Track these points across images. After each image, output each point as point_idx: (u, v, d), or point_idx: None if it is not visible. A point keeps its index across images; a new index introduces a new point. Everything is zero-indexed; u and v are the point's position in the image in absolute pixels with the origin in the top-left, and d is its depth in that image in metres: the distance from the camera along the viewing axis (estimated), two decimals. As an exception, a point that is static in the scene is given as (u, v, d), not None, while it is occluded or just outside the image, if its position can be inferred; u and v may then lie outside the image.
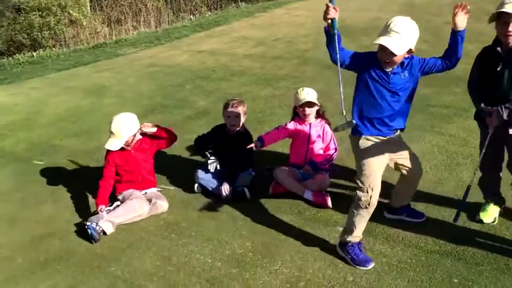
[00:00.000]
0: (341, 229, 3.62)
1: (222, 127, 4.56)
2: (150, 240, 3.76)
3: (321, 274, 3.21)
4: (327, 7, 2.98)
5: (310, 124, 4.31)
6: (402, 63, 3.16)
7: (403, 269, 3.19)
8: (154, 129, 4.25)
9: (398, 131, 3.39)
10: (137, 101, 7.45)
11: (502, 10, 3.05)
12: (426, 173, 4.40)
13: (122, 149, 4.19)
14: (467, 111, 5.87)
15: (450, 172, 4.42)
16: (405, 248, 3.41)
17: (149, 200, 4.12)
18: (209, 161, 4.37)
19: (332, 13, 2.99)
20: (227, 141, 4.45)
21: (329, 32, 3.11)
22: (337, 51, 3.11)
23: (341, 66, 3.16)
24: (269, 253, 3.48)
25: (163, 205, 4.12)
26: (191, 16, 18.42)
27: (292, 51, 9.95)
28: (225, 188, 4.21)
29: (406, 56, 3.13)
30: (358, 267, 3.23)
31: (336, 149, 4.35)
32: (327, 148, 4.34)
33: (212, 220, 3.97)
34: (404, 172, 3.47)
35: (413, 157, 3.45)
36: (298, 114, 4.35)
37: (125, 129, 4.09)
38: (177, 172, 4.81)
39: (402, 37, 2.97)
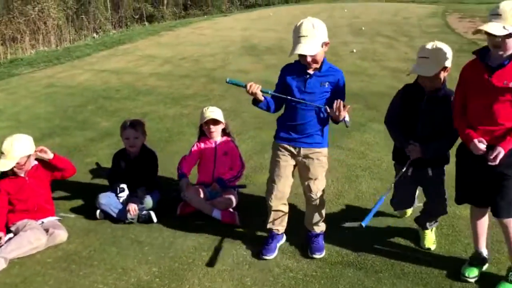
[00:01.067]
0: (248, 247, 3.67)
1: (122, 152, 4.40)
2: (47, 273, 3.49)
3: (229, 294, 3.19)
4: (248, 91, 3.17)
5: (216, 142, 4.32)
6: (320, 68, 3.26)
7: (309, 283, 3.27)
8: (50, 156, 3.99)
9: (314, 149, 3.41)
10: (33, 124, 6.98)
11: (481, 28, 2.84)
12: (328, 186, 4.58)
13: (15, 175, 3.90)
14: (364, 125, 6.25)
15: (350, 184, 4.65)
16: (310, 261, 3.49)
17: (46, 230, 3.83)
18: (119, 193, 4.15)
19: (255, 88, 3.14)
20: (129, 165, 4.31)
21: (261, 100, 3.27)
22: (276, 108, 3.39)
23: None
24: (176, 277, 3.39)
25: (61, 234, 3.86)
26: (95, 35, 17.84)
27: (199, 70, 9.98)
28: (132, 208, 4.03)
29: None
30: (260, 255, 3.52)
31: (243, 166, 4.39)
32: (234, 165, 4.37)
33: (115, 247, 3.78)
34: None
35: (311, 181, 3.46)
36: (204, 132, 4.34)
37: (17, 148, 3.80)
38: (77, 198, 4.55)
39: (311, 38, 3.09)
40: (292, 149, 3.41)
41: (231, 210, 4.12)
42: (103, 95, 8.42)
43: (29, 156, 3.91)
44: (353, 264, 3.44)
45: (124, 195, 4.14)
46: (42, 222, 3.95)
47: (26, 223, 3.85)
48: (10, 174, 3.92)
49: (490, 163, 2.80)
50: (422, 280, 3.22)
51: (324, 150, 3.45)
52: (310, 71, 3.27)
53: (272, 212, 3.59)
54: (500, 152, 2.78)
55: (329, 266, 3.42)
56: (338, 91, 3.29)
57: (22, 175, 3.94)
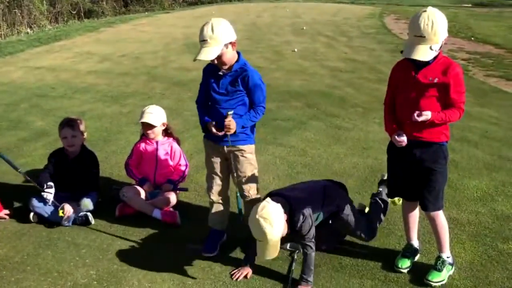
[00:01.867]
0: (191, 245, 3.64)
1: (59, 151, 4.24)
2: (-25, 281, 3.31)
3: (170, 294, 3.16)
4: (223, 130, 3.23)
5: (157, 142, 4.26)
6: (230, 67, 3.27)
7: (250, 279, 3.29)
8: None
9: (238, 146, 3.40)
10: (-40, 123, 6.58)
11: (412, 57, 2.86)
12: (270, 183, 4.66)
13: None
14: (305, 123, 6.38)
15: (290, 180, 4.71)
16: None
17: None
18: (45, 193, 3.90)
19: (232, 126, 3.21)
20: (67, 165, 4.15)
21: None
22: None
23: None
24: (115, 279, 3.31)
25: (-11, 238, 3.67)
26: (29, 30, 17.01)
27: (140, 68, 9.78)
28: (68, 209, 3.88)
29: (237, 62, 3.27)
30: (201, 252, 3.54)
31: (187, 165, 4.37)
32: (177, 165, 4.33)
33: (51, 250, 3.64)
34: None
35: (241, 179, 3.47)
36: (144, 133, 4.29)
37: None
38: (9, 200, 4.33)
39: (210, 43, 3.09)
40: (218, 146, 3.43)
41: (171, 209, 4.07)
42: (38, 93, 8.06)
43: None
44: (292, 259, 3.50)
45: (51, 192, 3.90)
46: None
47: None
48: None
49: (412, 118, 2.87)
50: (358, 272, 3.34)
51: (249, 147, 3.46)
52: (222, 72, 3.29)
53: (213, 208, 3.61)
54: (427, 115, 2.87)
55: (269, 262, 3.46)
56: (250, 90, 3.30)
57: None
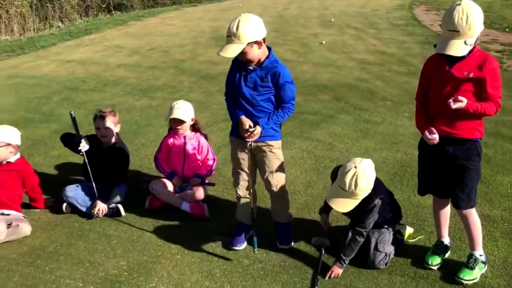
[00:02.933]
0: (219, 238, 3.69)
1: (95, 137, 4.29)
2: (12, 269, 3.41)
3: (198, 286, 3.20)
4: None
5: (185, 137, 4.29)
6: (262, 63, 3.23)
7: (278, 273, 3.31)
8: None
9: (266, 142, 3.39)
10: (-4, 116, 6.78)
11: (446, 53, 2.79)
12: (297, 177, 4.65)
13: None
14: (333, 117, 6.32)
15: (318, 175, 4.70)
16: (279, 252, 3.53)
17: (9, 224, 3.75)
18: (82, 142, 4.00)
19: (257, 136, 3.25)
20: (100, 154, 4.21)
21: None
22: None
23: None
24: (145, 270, 3.37)
25: (25, 228, 3.78)
26: (60, 24, 17.34)
27: (168, 61, 9.86)
28: (101, 209, 3.98)
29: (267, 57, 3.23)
30: (229, 245, 3.57)
31: (214, 160, 4.39)
32: (205, 159, 4.36)
33: (83, 241, 3.73)
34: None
35: (269, 175, 3.46)
36: (171, 128, 4.33)
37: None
38: (43, 192, 4.44)
39: (234, 40, 3.06)
40: (245, 142, 3.36)
41: (200, 202, 4.11)
42: (69, 86, 8.23)
43: (7, 146, 3.87)
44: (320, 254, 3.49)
45: (85, 146, 4.00)
46: (2, 213, 3.85)
47: None
48: None
49: (448, 103, 2.80)
50: (387, 269, 3.30)
51: (277, 143, 3.46)
52: (251, 66, 3.25)
53: (240, 203, 3.62)
54: (463, 101, 2.79)
55: (298, 256, 3.47)
56: (279, 87, 3.26)
57: None
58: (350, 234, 3.31)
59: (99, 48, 11.36)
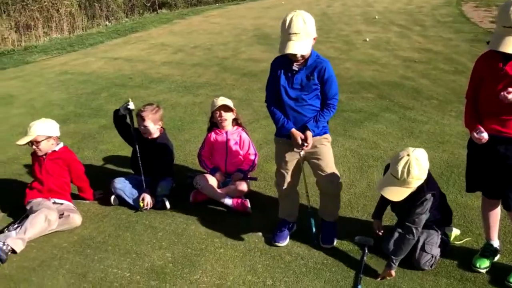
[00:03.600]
0: (260, 235, 3.72)
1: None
2: (63, 257, 3.57)
3: (241, 280, 3.24)
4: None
5: (227, 132, 4.35)
6: (306, 62, 3.20)
7: (320, 270, 3.31)
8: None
9: (316, 137, 3.35)
10: (48, 110, 7.06)
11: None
12: (340, 175, 4.58)
13: (37, 156, 4.10)
14: (377, 115, 6.23)
15: (361, 173, 4.65)
16: (320, 250, 3.52)
17: (61, 214, 3.93)
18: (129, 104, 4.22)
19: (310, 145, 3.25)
20: (145, 147, 4.30)
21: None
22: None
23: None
24: (189, 263, 3.45)
25: (75, 218, 3.94)
26: (107, 22, 17.84)
27: (211, 59, 9.97)
28: (148, 202, 4.09)
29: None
30: (272, 241, 3.57)
31: (256, 155, 4.43)
32: (247, 154, 4.40)
33: (130, 232, 3.86)
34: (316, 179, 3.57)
35: (326, 168, 3.43)
36: (214, 123, 4.38)
37: (37, 127, 4.03)
38: (92, 184, 4.61)
39: (302, 36, 3.00)
40: (292, 146, 3.35)
41: (242, 197, 4.16)
42: (117, 82, 8.47)
43: (48, 138, 4.04)
44: (363, 253, 3.46)
45: (131, 106, 4.19)
46: (54, 202, 4.04)
47: (39, 202, 3.97)
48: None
49: (500, 96, 2.71)
50: (433, 270, 3.24)
51: (328, 135, 3.45)
52: (296, 67, 3.21)
53: (283, 202, 3.64)
54: None
55: (341, 255, 3.45)
56: (325, 82, 3.22)
57: (40, 154, 4.06)
58: (396, 233, 3.26)
59: (145, 46, 11.63)
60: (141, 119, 4.28)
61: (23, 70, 10.06)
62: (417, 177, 2.93)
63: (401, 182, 2.93)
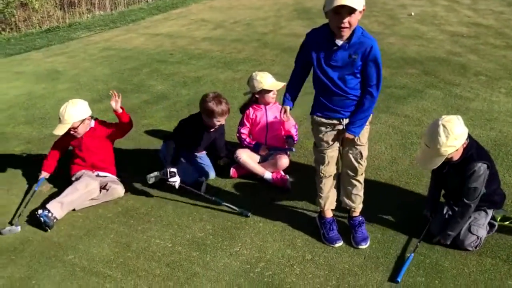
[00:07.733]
0: (300, 210, 3.72)
1: (199, 118, 4.26)
2: (108, 227, 3.70)
3: (280, 254, 3.26)
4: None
5: (265, 107, 4.32)
6: (350, 38, 2.83)
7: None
8: (119, 110, 4.21)
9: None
10: (92, 86, 7.25)
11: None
12: (382, 152, 4.54)
13: (73, 136, 4.14)
14: (421, 92, 6.04)
15: (404, 151, 4.55)
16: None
17: (104, 186, 4.05)
18: (170, 178, 3.91)
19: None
20: (204, 135, 4.32)
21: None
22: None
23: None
24: (229, 235, 3.50)
25: (118, 189, 4.05)
26: (148, -2, 17.95)
27: (251, 34, 9.90)
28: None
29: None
30: (326, 243, 3.32)
31: (295, 126, 4.40)
32: (285, 127, 4.38)
33: (171, 205, 3.94)
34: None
35: (361, 148, 3.17)
36: (255, 100, 4.35)
37: (71, 114, 4.02)
38: (135, 158, 4.72)
39: (357, 4, 2.63)
40: (335, 121, 3.10)
41: (282, 173, 4.15)
42: (158, 58, 8.57)
43: (83, 121, 4.10)
44: (404, 230, 3.40)
45: (176, 180, 3.92)
46: (98, 174, 4.17)
47: (83, 173, 4.12)
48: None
49: None
50: (477, 250, 3.16)
51: (371, 116, 3.16)
52: (339, 42, 2.85)
53: (324, 186, 3.33)
54: None
55: (381, 231, 3.41)
56: (368, 62, 2.87)
57: (78, 136, 4.16)
58: (446, 209, 3.21)
59: (185, 22, 11.66)
60: (221, 117, 4.18)
61: (68, 46, 10.33)
62: (447, 145, 2.85)
63: (432, 150, 2.90)
